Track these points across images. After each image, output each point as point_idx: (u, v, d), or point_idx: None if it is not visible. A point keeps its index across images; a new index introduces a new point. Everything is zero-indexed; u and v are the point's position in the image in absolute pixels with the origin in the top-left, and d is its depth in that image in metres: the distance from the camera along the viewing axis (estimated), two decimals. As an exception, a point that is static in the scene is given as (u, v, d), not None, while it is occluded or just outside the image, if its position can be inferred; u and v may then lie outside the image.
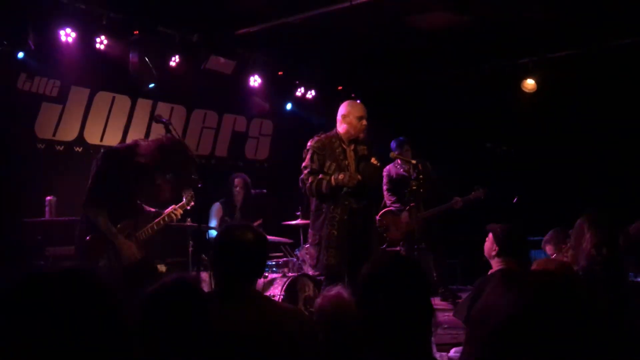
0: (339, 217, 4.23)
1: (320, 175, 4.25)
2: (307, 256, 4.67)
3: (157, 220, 4.02)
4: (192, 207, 4.17)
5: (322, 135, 4.43)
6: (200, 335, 1.72)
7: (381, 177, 5.92)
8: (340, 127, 4.39)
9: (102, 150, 4.01)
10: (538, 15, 5.67)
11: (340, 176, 4.18)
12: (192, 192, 4.12)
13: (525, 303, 0.90)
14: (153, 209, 4.14)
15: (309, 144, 4.39)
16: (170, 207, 4.11)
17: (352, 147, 4.39)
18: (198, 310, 1.75)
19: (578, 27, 6.12)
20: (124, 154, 3.81)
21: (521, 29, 6.12)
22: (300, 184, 4.37)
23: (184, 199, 4.20)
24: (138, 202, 4.07)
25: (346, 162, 4.33)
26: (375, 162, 4.44)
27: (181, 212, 4.15)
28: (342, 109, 4.45)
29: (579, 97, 6.82)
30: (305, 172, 4.32)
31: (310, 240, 4.44)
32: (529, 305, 0.89)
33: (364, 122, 4.36)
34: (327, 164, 4.29)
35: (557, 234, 3.99)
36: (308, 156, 4.34)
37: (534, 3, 5.50)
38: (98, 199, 3.71)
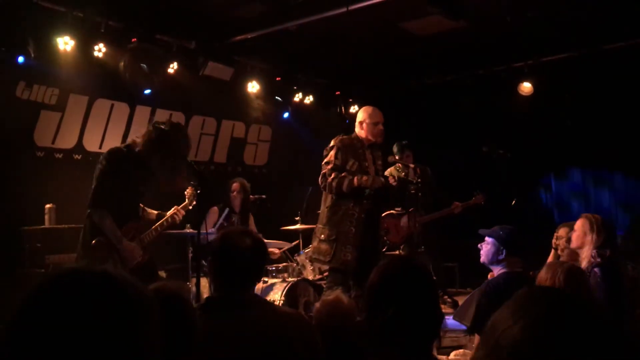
0: (357, 215, 4.37)
1: (344, 173, 4.36)
2: (315, 253, 4.51)
3: (160, 222, 4.01)
4: (193, 207, 4.13)
5: (345, 136, 4.57)
6: (187, 344, 1.71)
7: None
8: (359, 132, 4.57)
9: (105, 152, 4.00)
10: (533, 19, 5.70)
11: (364, 178, 4.33)
12: (194, 191, 4.11)
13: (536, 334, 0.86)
14: (155, 212, 4.13)
15: (332, 142, 4.51)
16: (173, 209, 4.10)
17: (369, 150, 4.56)
18: (183, 320, 1.73)
19: (573, 31, 6.16)
20: (125, 152, 3.79)
21: (516, 33, 6.16)
22: (321, 179, 4.41)
23: (187, 199, 4.19)
24: (141, 205, 4.07)
25: (366, 164, 4.49)
26: None
27: (183, 212, 4.13)
28: (359, 115, 4.63)
29: (574, 100, 6.86)
30: (329, 167, 4.39)
31: (322, 236, 4.44)
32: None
33: (380, 127, 4.54)
34: (350, 162, 4.42)
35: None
36: (332, 152, 4.44)
37: (529, 7, 5.54)
38: (103, 199, 3.68)
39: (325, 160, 4.44)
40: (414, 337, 1.65)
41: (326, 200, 4.48)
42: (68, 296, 0.86)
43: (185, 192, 4.23)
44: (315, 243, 4.51)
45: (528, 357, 0.86)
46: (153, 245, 4.04)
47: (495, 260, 3.30)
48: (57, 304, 0.85)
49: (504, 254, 3.26)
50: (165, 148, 3.70)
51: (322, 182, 4.41)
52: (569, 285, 2.54)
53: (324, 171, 4.40)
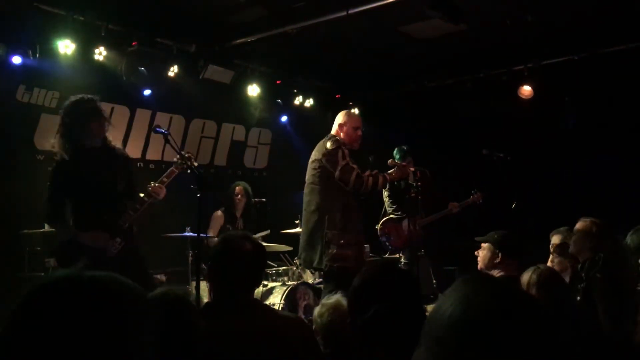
0: (361, 216, 4.41)
1: (375, 171, 4.37)
2: (338, 260, 4.20)
3: (137, 202, 3.82)
4: (195, 211, 3.71)
5: (335, 137, 4.43)
6: (189, 348, 1.71)
7: None
8: (340, 135, 4.46)
9: None
10: (532, 22, 5.71)
11: (392, 172, 4.44)
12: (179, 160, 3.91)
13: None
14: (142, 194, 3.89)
15: (332, 144, 4.29)
16: (148, 186, 3.89)
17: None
18: (186, 324, 1.74)
19: (572, 34, 6.17)
20: (60, 159, 3.78)
21: (516, 36, 6.17)
22: (355, 180, 4.19)
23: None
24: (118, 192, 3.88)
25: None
26: None
27: (161, 186, 3.87)
28: (340, 117, 4.53)
29: (574, 103, 6.86)
30: (356, 168, 4.23)
31: (341, 241, 4.20)
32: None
33: (359, 132, 4.45)
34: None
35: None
36: (345, 153, 4.26)
37: (528, 10, 5.55)
38: (47, 214, 3.86)
39: (341, 163, 4.19)
40: (396, 338, 1.66)
41: (334, 205, 4.24)
42: (57, 302, 0.87)
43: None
44: (334, 250, 4.19)
45: (456, 341, 0.87)
46: (153, 249, 4.00)
47: (491, 264, 3.32)
48: (47, 309, 0.87)
49: (499, 257, 3.30)
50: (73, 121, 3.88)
51: (356, 183, 4.18)
52: (542, 287, 2.48)
53: (356, 172, 4.19)
